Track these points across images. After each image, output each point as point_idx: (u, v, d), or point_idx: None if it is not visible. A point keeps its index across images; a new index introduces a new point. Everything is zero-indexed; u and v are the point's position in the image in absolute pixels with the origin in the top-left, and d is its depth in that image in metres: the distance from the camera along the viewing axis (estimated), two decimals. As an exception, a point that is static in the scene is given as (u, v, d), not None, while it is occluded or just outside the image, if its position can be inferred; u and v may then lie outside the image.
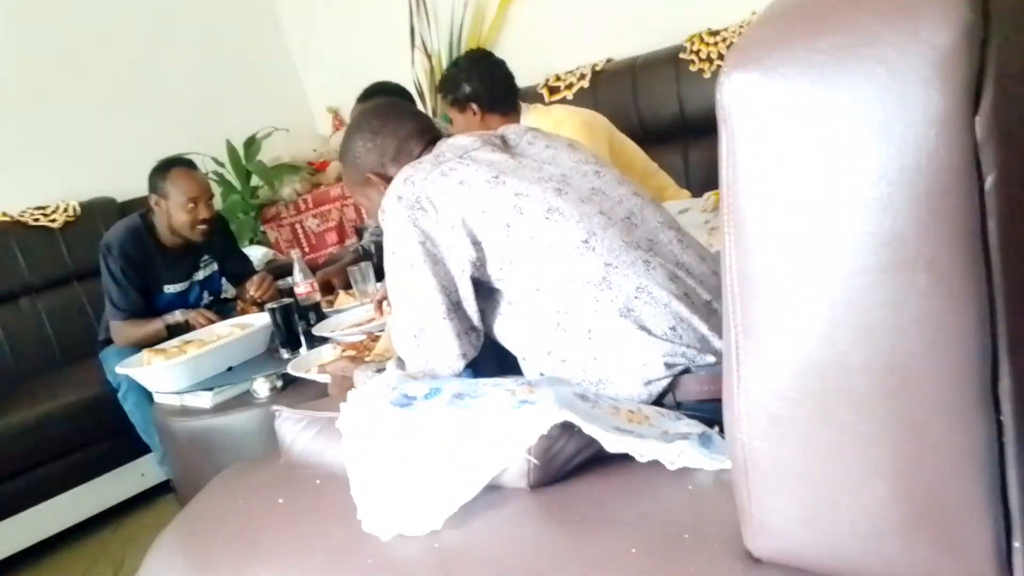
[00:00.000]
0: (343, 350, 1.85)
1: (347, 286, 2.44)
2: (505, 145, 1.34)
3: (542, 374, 1.21)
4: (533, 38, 3.26)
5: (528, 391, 0.85)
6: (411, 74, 3.48)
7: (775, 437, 0.59)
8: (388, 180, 1.35)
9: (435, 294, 1.20)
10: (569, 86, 3.00)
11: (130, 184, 3.23)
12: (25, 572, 2.46)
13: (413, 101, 2.72)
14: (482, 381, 0.97)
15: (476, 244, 1.18)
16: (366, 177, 1.42)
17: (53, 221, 3.10)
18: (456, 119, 2.35)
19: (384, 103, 1.56)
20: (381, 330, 1.93)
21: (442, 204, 1.20)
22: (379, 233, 2.62)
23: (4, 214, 3.05)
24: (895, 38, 0.47)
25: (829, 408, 0.55)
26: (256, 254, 3.17)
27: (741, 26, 2.64)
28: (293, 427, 1.03)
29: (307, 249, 3.50)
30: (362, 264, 2.36)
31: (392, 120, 1.43)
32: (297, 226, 3.57)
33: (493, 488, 0.80)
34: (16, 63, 3.26)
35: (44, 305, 3.04)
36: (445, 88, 2.36)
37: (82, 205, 3.19)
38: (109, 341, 2.58)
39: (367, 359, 1.62)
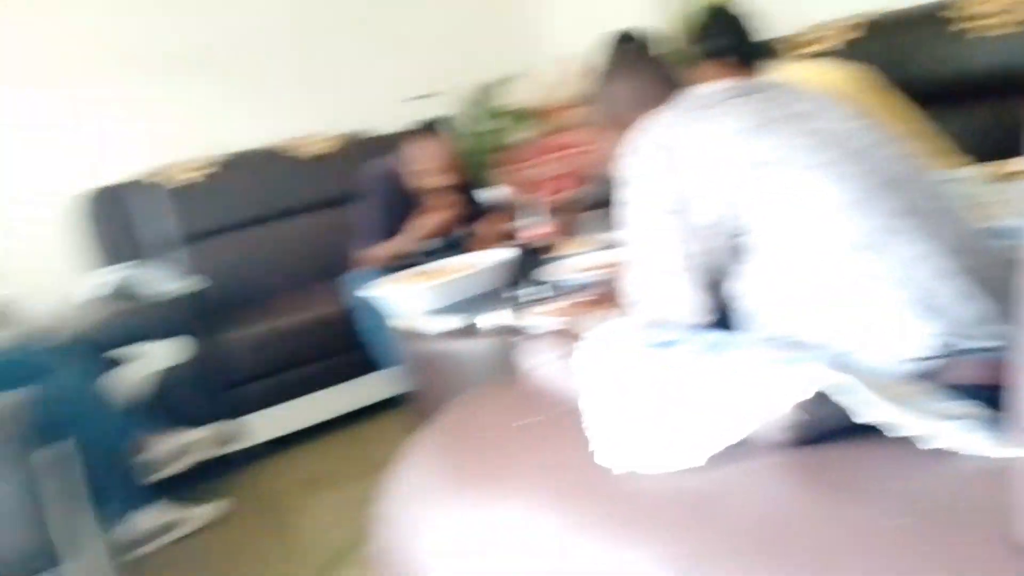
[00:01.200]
0: (570, 299, 1.90)
1: (577, 232, 2.49)
2: (761, 96, 1.28)
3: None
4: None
5: (793, 351, 0.83)
6: (655, 23, 3.41)
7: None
8: (630, 128, 1.35)
9: (675, 245, 1.17)
10: (824, 39, 2.79)
11: (382, 121, 3.48)
12: (284, 455, 2.80)
13: (660, 49, 2.67)
14: (734, 335, 0.96)
15: (724, 197, 1.14)
16: (609, 124, 1.42)
17: (314, 151, 3.42)
18: (706, 72, 2.28)
19: (631, 50, 1.54)
20: (607, 282, 1.95)
21: (690, 153, 1.16)
22: (612, 182, 2.64)
23: (275, 143, 3.41)
24: None
25: None
26: (492, 196, 3.30)
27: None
28: (534, 357, 1.08)
29: (540, 193, 3.59)
30: (595, 211, 2.39)
31: (638, 68, 1.42)
32: (532, 170, 3.66)
33: (743, 441, 0.79)
34: (278, 8, 3.57)
35: (302, 227, 3.38)
36: (695, 38, 2.29)
37: (337, 138, 3.49)
38: (353, 264, 2.83)
39: (596, 309, 1.65)
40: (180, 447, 2.51)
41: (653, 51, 2.11)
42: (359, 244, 2.74)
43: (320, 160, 3.43)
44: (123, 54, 3.27)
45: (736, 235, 1.17)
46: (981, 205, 1.78)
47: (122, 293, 2.75)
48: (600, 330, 1.01)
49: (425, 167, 2.60)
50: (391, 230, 2.73)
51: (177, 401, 2.63)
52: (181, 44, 3.38)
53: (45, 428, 1.82)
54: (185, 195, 3.21)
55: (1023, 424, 0.57)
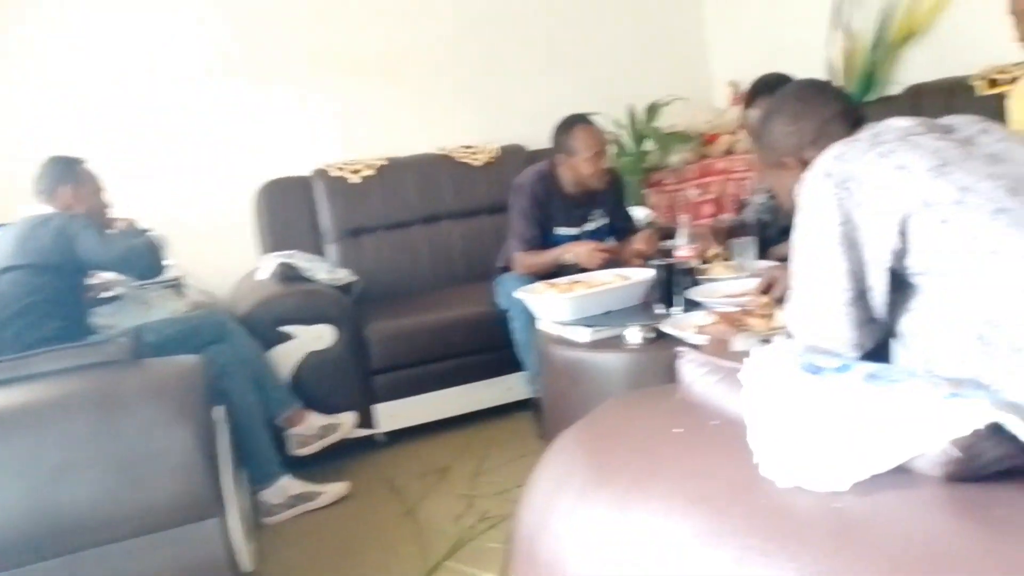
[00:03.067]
0: (721, 315, 1.91)
1: (727, 255, 2.49)
2: (953, 132, 1.26)
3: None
4: (978, 25, 2.94)
5: (955, 387, 0.83)
6: (823, 55, 3.36)
7: None
8: (803, 163, 1.34)
9: (843, 278, 1.18)
10: (1014, 80, 2.66)
11: (540, 135, 3.58)
12: (407, 445, 2.94)
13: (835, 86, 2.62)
14: (896, 367, 0.96)
15: (904, 235, 1.13)
16: (781, 160, 1.43)
17: (476, 159, 3.58)
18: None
19: (807, 84, 1.52)
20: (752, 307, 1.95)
21: (873, 187, 1.16)
22: (765, 210, 2.63)
23: (439, 149, 3.60)
24: None
25: None
26: (638, 215, 3.34)
27: None
28: (696, 369, 1.11)
29: (693, 215, 3.60)
30: (746, 237, 2.39)
31: (816, 102, 1.41)
32: (679, 193, 3.68)
33: (902, 470, 0.80)
34: (454, 22, 3.76)
35: (458, 230, 3.54)
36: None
37: (500, 149, 3.64)
38: (506, 268, 2.93)
39: (750, 329, 1.66)
40: (323, 428, 2.69)
41: (828, 83, 2.10)
42: (512, 248, 2.85)
43: (481, 168, 3.59)
44: (310, 57, 3.55)
45: (910, 274, 1.16)
46: None
47: (287, 276, 2.97)
48: (763, 350, 1.03)
49: (584, 154, 2.68)
50: (543, 235, 2.81)
51: (322, 382, 2.81)
52: (363, 51, 3.63)
53: (215, 390, 2.01)
54: (352, 192, 3.45)
55: None
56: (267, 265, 3.01)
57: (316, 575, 2.12)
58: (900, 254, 1.15)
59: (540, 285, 2.40)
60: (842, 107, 1.41)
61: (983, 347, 1.09)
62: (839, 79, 3.31)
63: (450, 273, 3.48)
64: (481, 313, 2.97)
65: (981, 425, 0.75)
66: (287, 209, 3.40)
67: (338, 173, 3.45)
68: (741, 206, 3.05)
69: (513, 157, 3.61)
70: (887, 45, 3.22)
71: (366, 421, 2.90)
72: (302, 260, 3.04)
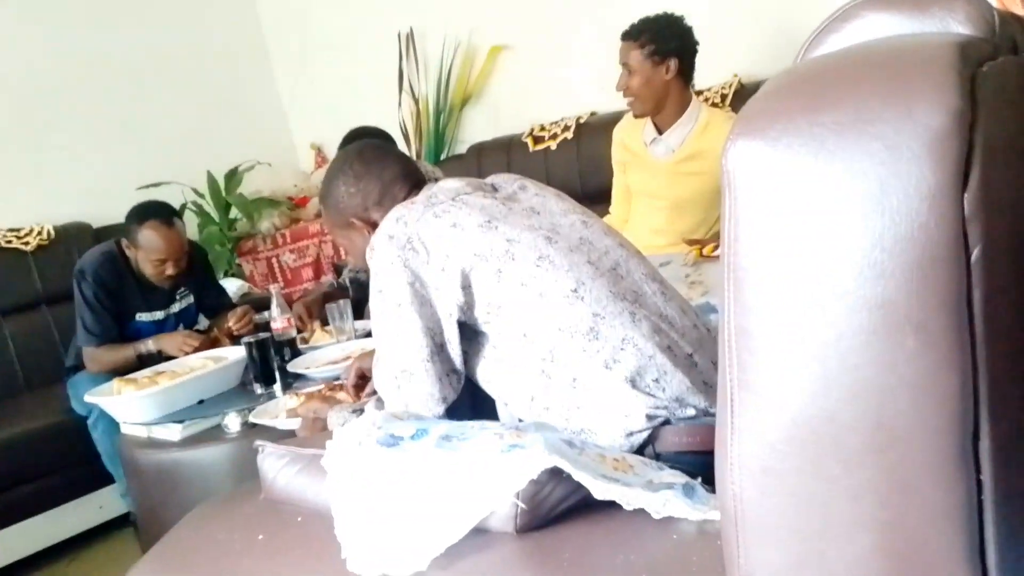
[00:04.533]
0: (309, 395, 1.84)
1: (323, 320, 2.44)
2: (495, 191, 1.36)
3: (521, 420, 1.23)
4: (520, 87, 3.34)
5: (516, 436, 0.86)
6: (397, 116, 3.53)
7: (766, 488, 0.61)
8: (371, 224, 1.37)
9: (420, 336, 1.21)
10: (553, 136, 3.06)
11: (107, 210, 3.20)
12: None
13: (395, 145, 2.74)
14: (468, 424, 0.98)
15: (466, 287, 1.20)
16: (349, 221, 1.43)
17: (26, 244, 3.06)
18: (640, 69, 2.27)
19: (367, 146, 1.56)
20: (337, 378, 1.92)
21: (434, 246, 1.21)
22: (357, 270, 2.64)
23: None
24: (892, 117, 0.51)
25: (819, 461, 0.58)
26: (231, 287, 3.15)
27: (723, 87, 2.73)
28: (276, 463, 1.03)
29: (283, 284, 3.49)
30: (340, 301, 2.37)
31: (376, 164, 1.44)
32: (274, 260, 3.56)
33: (480, 531, 0.80)
34: (12, 90, 3.25)
35: (11, 329, 2.98)
36: (647, 35, 2.26)
37: (57, 229, 3.16)
38: (78, 368, 2.54)
39: (339, 401, 1.62)
40: None
41: (389, 145, 2.18)
42: (84, 343, 2.47)
43: (39, 252, 3.07)
44: None
45: (475, 323, 1.22)
46: (696, 283, 2.02)
47: None
48: (343, 429, 0.99)
49: (156, 256, 2.40)
50: (119, 323, 2.49)
51: None
52: None
53: None
54: None
55: (721, 487, 0.64)
56: None
57: None
58: (465, 307, 1.20)
59: (116, 383, 2.10)
60: (402, 169, 1.44)
61: (547, 382, 1.19)
62: (412, 140, 3.51)
63: (14, 379, 2.92)
64: (56, 423, 2.54)
65: (535, 474, 0.78)
66: None
67: None
68: (338, 269, 3.04)
69: (77, 236, 3.15)
70: (449, 109, 3.49)
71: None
72: None
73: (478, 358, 1.28)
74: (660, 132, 2.38)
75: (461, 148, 3.51)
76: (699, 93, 2.58)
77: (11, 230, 3.07)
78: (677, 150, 2.35)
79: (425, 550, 0.77)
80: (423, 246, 1.21)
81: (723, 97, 2.71)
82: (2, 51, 3.26)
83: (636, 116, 2.39)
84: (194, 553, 1.01)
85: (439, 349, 1.22)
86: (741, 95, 2.68)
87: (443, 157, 3.50)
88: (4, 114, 3.25)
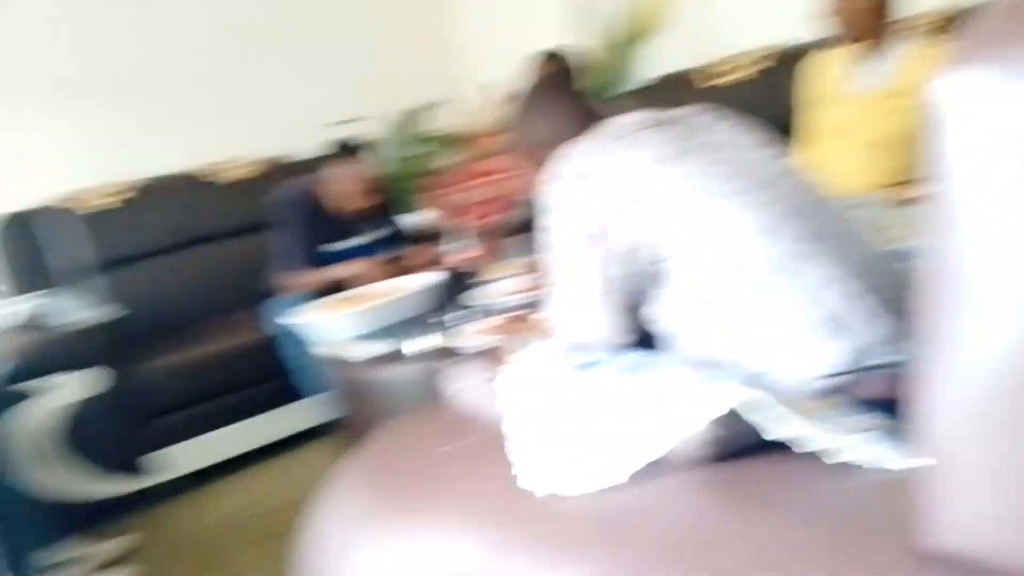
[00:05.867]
0: (493, 323, 1.92)
1: (505, 254, 2.51)
2: (677, 125, 1.32)
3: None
4: (702, 18, 3.20)
5: (709, 370, 0.86)
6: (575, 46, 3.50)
7: (971, 435, 0.57)
8: (544, 161, 1.37)
9: (593, 271, 1.20)
10: (737, 70, 2.92)
11: (301, 146, 3.45)
12: (194, 493, 2.71)
13: (581, 69, 2.73)
14: (650, 356, 0.98)
15: (642, 224, 1.18)
16: (526, 154, 1.45)
17: (234, 176, 3.36)
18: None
19: (550, 82, 1.56)
20: (533, 304, 1.98)
21: (607, 181, 1.19)
22: (536, 207, 2.68)
23: (191, 168, 3.34)
24: None
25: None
26: (415, 221, 3.30)
27: (938, 16, 2.46)
28: (459, 381, 1.09)
29: (466, 218, 3.60)
30: (521, 235, 2.42)
31: (556, 101, 1.43)
32: (458, 196, 3.68)
33: (660, 460, 0.81)
34: (208, 28, 3.52)
35: (215, 255, 3.29)
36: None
37: (259, 163, 3.44)
38: (273, 291, 2.77)
39: (523, 331, 1.67)
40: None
41: (574, 76, 2.15)
42: (278, 269, 2.70)
43: (240, 185, 3.36)
44: (35, 79, 3.16)
45: (653, 261, 1.21)
46: (884, 229, 1.88)
47: (33, 323, 2.63)
48: (524, 353, 1.03)
49: (346, 190, 2.58)
50: (310, 253, 2.69)
51: (92, 434, 2.52)
52: (97, 68, 3.28)
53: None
54: (100, 221, 3.10)
55: (921, 435, 0.61)
56: (8, 312, 2.65)
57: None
58: (642, 243, 1.19)
59: (310, 306, 2.28)
60: (580, 107, 1.43)
61: (730, 323, 1.15)
62: (581, 76, 3.47)
63: (222, 300, 3.21)
64: (257, 340, 2.79)
65: (735, 404, 0.77)
66: (26, 246, 3.00)
67: (87, 201, 3.09)
68: (517, 205, 3.10)
69: (274, 171, 3.41)
70: (626, 42, 3.41)
71: (152, 469, 2.65)
72: (50, 302, 2.70)
73: (655, 296, 1.26)
74: (861, 64, 2.21)
75: (638, 84, 3.43)
76: (909, 21, 2.36)
77: (220, 163, 3.38)
78: (880, 84, 2.18)
79: (607, 472, 0.79)
80: (596, 181, 1.20)
81: (936, 27, 2.46)
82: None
83: (839, 44, 2.22)
84: (385, 463, 1.09)
85: (612, 286, 1.21)
86: (956, 24, 2.42)
87: (620, 92, 3.44)
88: (209, 54, 3.52)
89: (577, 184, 1.20)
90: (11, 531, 2.02)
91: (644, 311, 1.26)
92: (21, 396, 2.41)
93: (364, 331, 2.14)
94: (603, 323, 1.22)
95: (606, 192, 1.18)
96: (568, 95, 1.46)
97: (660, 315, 1.26)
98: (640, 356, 0.99)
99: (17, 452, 2.28)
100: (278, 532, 2.25)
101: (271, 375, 2.76)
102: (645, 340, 1.30)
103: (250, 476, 2.76)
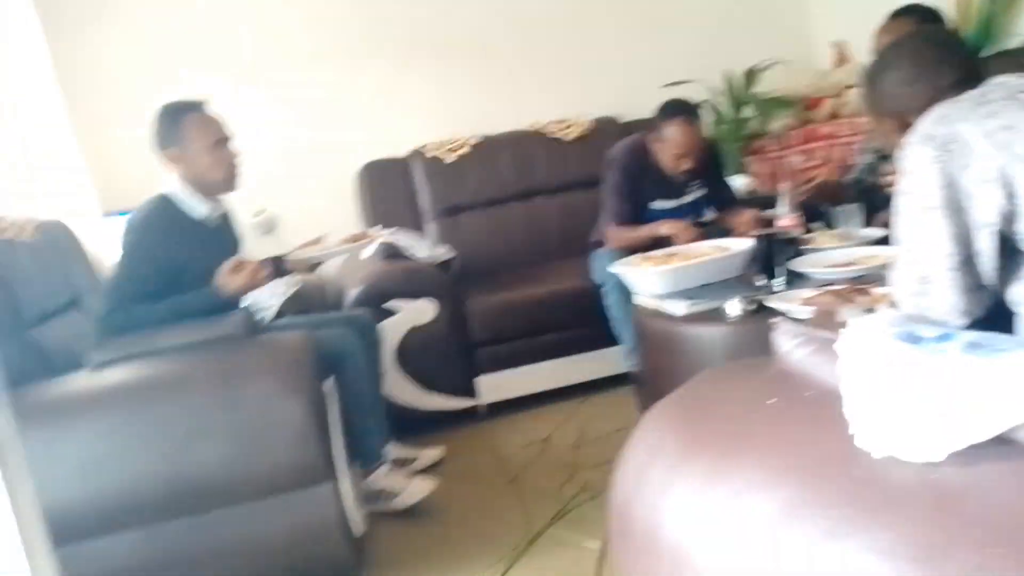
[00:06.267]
0: (825, 290, 1.86)
1: (829, 223, 2.41)
2: None
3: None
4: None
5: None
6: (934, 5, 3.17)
7: None
8: (906, 127, 1.29)
9: (948, 243, 1.14)
10: None
11: (634, 106, 3.56)
12: (509, 416, 3.02)
13: (952, 34, 2.47)
14: (1001, 336, 0.93)
15: (1012, 197, 1.09)
16: (887, 113, 1.38)
17: (569, 134, 3.58)
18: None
19: (929, 44, 1.42)
20: (864, 278, 1.90)
21: (978, 149, 1.11)
22: (867, 171, 2.53)
23: (533, 125, 3.63)
24: None
25: None
26: (738, 183, 3.27)
27: None
28: (792, 340, 1.10)
29: (796, 183, 3.49)
30: (850, 205, 2.31)
31: (933, 68, 1.33)
32: (781, 161, 3.58)
33: (1002, 440, 0.78)
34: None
35: (550, 206, 3.57)
36: None
37: (593, 122, 3.63)
38: (600, 243, 2.94)
39: (860, 304, 1.61)
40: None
41: (951, 46, 1.96)
42: (606, 222, 2.85)
43: (575, 142, 3.59)
44: (405, 38, 3.63)
45: (1016, 238, 1.11)
46: None
47: (390, 254, 3.07)
48: (862, 320, 1.02)
49: (679, 150, 2.64)
50: (636, 209, 2.80)
51: (425, 355, 2.92)
52: (456, 29, 3.68)
53: (325, 363, 2.08)
54: (447, 170, 3.53)
55: None
56: (371, 244, 3.12)
57: (422, 540, 2.21)
58: (1008, 217, 1.10)
59: (635, 258, 2.40)
60: (961, 75, 1.32)
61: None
62: (949, 33, 3.12)
63: (546, 249, 3.51)
64: (577, 287, 2.99)
65: None
66: (386, 189, 3.52)
67: (434, 152, 3.53)
68: (847, 172, 2.94)
69: (607, 130, 3.58)
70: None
71: (469, 393, 3.00)
72: (403, 238, 3.14)
73: (1014, 277, 1.17)
74: None
75: (1013, 43, 3.01)
76: None
77: (559, 122, 3.62)
78: None
79: (944, 443, 0.78)
80: (965, 148, 1.12)
81: None
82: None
83: None
84: (706, 406, 1.15)
85: (968, 260, 1.14)
86: None
87: (987, 52, 3.05)
88: (557, 18, 3.75)
89: (940, 150, 1.14)
90: (359, 425, 2.32)
91: (994, 291, 1.17)
92: (387, 313, 2.84)
93: (683, 287, 2.21)
94: (948, 300, 1.17)
95: (973, 161, 1.11)
96: (953, 63, 1.35)
97: (1017, 298, 1.16)
98: (982, 336, 0.94)
99: (373, 359, 2.68)
100: (573, 465, 2.46)
101: (588, 320, 2.94)
102: (999, 321, 1.21)
103: (555, 411, 2.99)
